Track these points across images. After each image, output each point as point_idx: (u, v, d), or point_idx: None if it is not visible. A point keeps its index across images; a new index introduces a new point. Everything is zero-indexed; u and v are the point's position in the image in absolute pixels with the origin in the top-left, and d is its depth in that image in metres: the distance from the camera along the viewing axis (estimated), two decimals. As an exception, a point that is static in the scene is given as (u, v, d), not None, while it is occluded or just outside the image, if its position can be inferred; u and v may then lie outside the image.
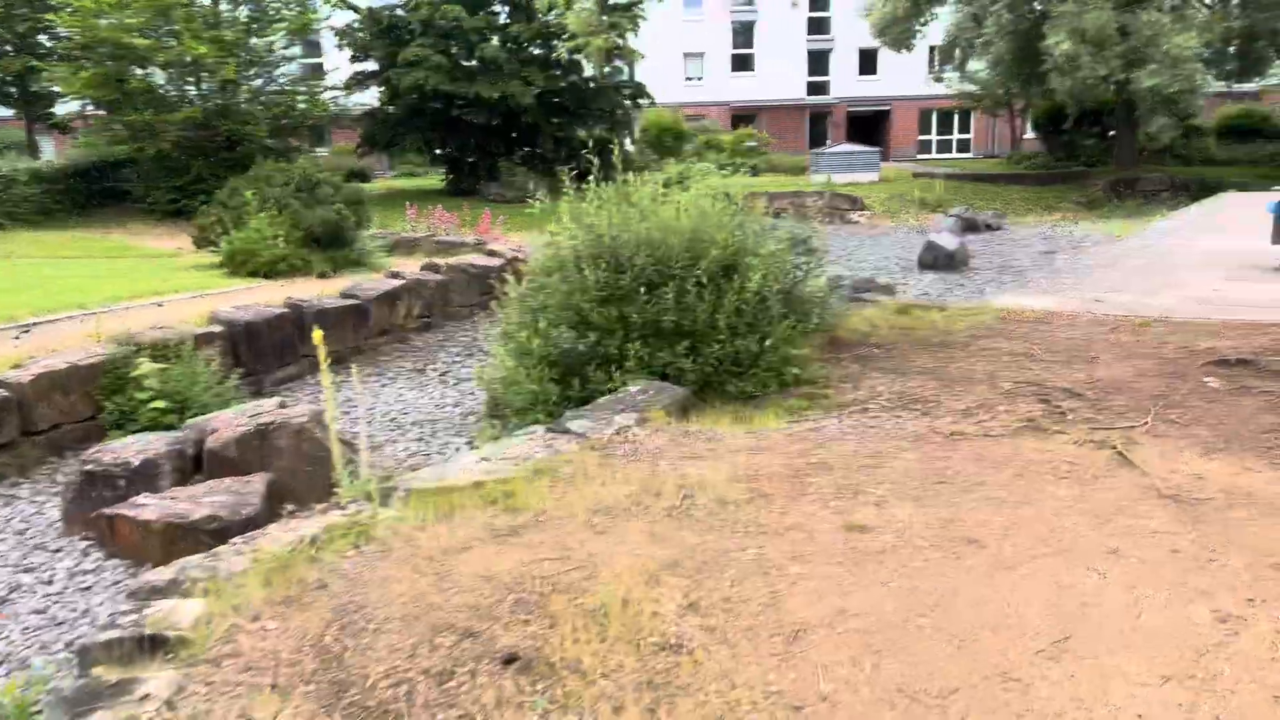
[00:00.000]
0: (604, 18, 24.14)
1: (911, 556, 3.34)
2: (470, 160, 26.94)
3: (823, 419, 5.67)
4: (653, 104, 28.96)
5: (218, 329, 8.44)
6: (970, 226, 21.90)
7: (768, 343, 6.45)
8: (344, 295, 10.27)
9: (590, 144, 28.32)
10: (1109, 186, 27.22)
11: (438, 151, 28.16)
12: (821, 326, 7.32)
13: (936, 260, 16.11)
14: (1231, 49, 26.68)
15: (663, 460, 4.58)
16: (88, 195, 23.61)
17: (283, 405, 6.65)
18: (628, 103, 27.75)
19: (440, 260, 12.43)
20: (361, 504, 4.08)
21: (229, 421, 6.05)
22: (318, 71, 35.60)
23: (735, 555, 3.38)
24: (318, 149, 40.00)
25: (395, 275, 11.13)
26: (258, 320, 8.85)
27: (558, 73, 25.39)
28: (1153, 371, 6.05)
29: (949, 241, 16.22)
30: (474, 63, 24.44)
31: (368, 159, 29.76)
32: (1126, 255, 12.62)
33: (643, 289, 6.27)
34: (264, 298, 10.21)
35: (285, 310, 9.31)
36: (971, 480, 4.18)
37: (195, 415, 6.67)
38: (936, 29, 30.31)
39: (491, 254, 13.39)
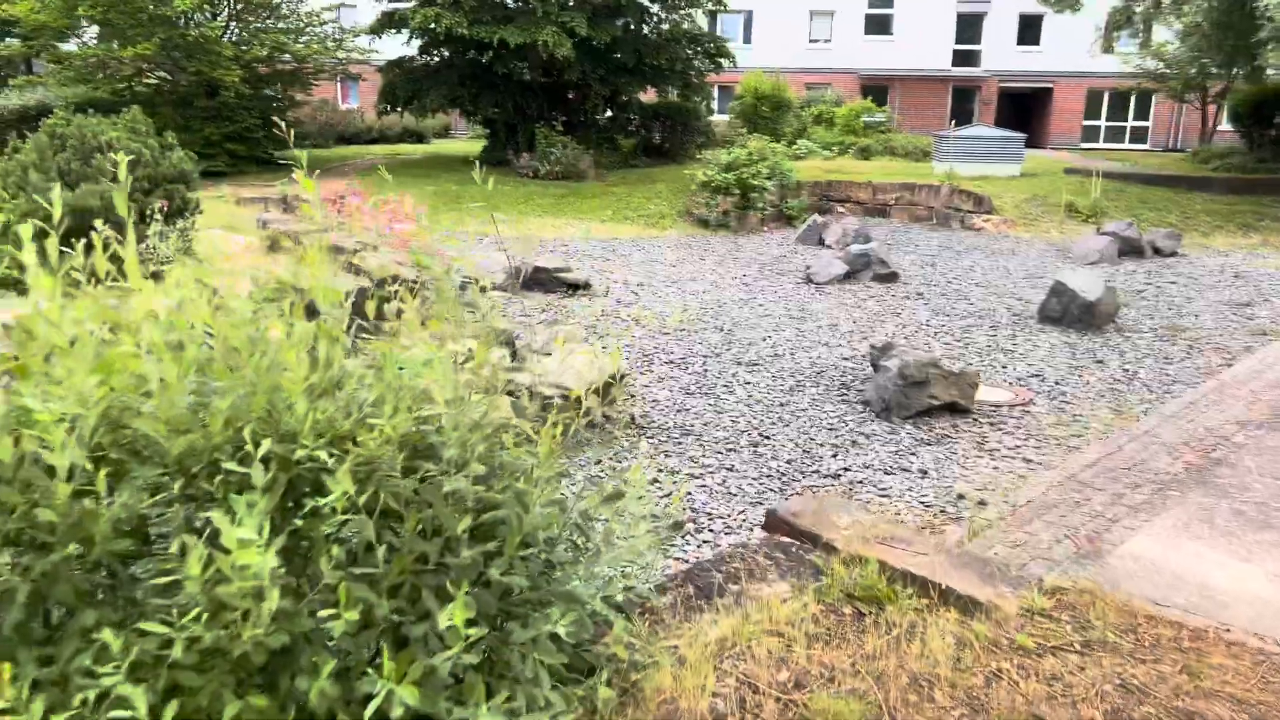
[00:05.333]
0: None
1: None
2: (511, 124, 22.45)
3: None
4: (734, 64, 23.60)
5: None
6: (1131, 249, 16.01)
7: None
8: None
9: (661, 113, 23.45)
10: (1333, 202, 20.44)
11: (492, 111, 23.59)
12: None
13: (1066, 312, 10.70)
14: None
15: None
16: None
17: None
18: (706, 61, 22.55)
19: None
20: None
21: None
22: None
23: None
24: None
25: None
26: None
27: (617, 23, 20.49)
28: None
29: (1089, 285, 10.74)
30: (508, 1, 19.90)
31: (390, 116, 25.66)
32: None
33: None
34: None
35: None
36: None
37: None
38: (1114, -14, 23.79)
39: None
